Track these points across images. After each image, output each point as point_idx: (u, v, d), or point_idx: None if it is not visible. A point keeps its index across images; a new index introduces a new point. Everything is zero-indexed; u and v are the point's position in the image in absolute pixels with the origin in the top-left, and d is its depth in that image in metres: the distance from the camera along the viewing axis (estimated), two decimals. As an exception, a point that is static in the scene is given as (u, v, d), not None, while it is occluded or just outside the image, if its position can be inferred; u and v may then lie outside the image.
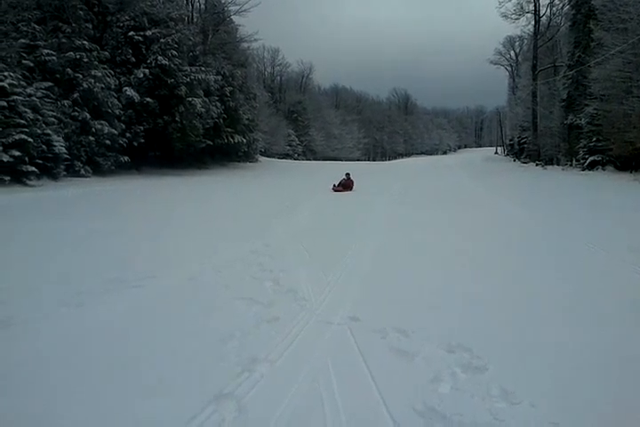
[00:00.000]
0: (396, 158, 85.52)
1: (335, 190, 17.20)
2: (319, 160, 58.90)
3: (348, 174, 18.35)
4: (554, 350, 3.45)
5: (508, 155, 51.44)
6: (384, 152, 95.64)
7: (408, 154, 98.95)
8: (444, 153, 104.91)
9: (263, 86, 57.89)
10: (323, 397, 2.81)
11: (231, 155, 35.20)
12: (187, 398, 2.76)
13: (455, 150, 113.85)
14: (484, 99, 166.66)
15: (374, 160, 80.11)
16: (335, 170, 33.71)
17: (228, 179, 24.91)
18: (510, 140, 50.19)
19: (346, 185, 17.72)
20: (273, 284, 5.16)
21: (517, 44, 53.51)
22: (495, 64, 55.44)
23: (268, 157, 48.15)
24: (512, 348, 3.47)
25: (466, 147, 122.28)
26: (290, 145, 60.41)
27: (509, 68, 56.78)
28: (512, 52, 56.30)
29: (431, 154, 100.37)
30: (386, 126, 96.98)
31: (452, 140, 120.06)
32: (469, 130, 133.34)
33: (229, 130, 32.29)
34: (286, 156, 56.62)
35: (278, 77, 72.80)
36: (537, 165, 31.83)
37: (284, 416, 2.61)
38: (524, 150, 38.60)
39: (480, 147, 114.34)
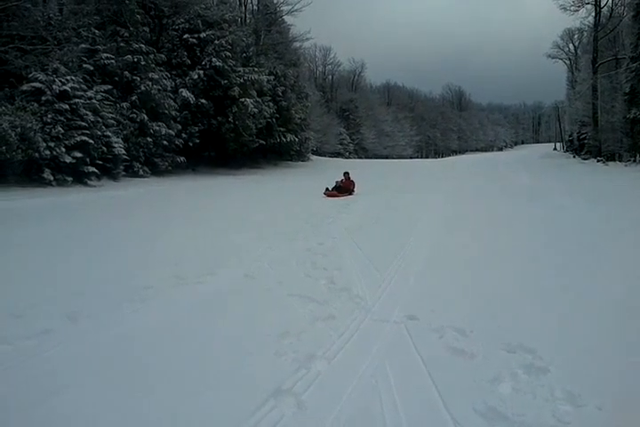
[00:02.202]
0: (449, 156, 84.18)
1: (329, 195, 14.24)
2: (371, 158, 58.60)
3: (346, 174, 15.57)
4: (621, 353, 3.32)
5: (567, 151, 49.78)
6: (437, 149, 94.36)
7: (462, 151, 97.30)
8: (500, 149, 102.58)
9: (315, 85, 58.11)
10: (381, 395, 2.79)
11: (283, 154, 35.47)
12: (246, 392, 2.79)
13: (512, 147, 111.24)
14: (542, 94, 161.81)
15: (427, 158, 79.10)
16: (386, 168, 33.65)
17: (281, 178, 25.12)
18: (569, 136, 48.54)
19: (344, 188, 14.97)
20: (327, 282, 5.17)
21: (576, 36, 51.47)
22: (553, 58, 53.63)
23: (319, 155, 48.26)
24: (576, 350, 3.35)
25: (523, 143, 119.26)
26: (341, 143, 60.32)
27: (568, 62, 54.76)
28: (571, 45, 54.26)
29: (486, 151, 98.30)
30: (439, 123, 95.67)
31: (509, 136, 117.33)
32: (526, 126, 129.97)
33: (282, 129, 32.53)
34: (338, 154, 56.56)
35: (330, 76, 72.85)
36: (598, 161, 30.64)
37: (342, 414, 2.60)
38: (584, 146, 37.22)
39: (538, 143, 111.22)
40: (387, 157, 62.26)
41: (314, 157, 43.22)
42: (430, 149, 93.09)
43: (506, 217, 9.82)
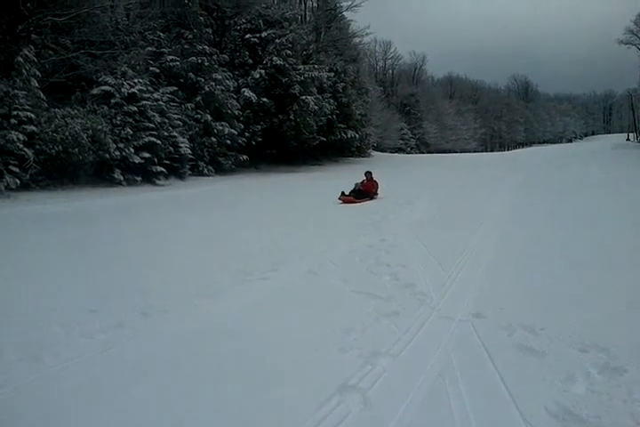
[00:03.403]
0: (515, 148, 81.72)
1: (345, 201, 11.95)
2: (432, 153, 57.69)
3: (368, 174, 13.22)
4: None
5: (642, 141, 47.34)
6: (502, 142, 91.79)
7: (529, 143, 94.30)
8: (569, 141, 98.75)
9: (375, 80, 57.68)
10: (448, 393, 2.73)
11: (344, 150, 35.42)
12: (312, 388, 2.80)
13: (581, 138, 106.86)
14: (613, 82, 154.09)
15: (492, 151, 77.08)
16: (448, 162, 33.01)
17: (342, 174, 25.03)
18: (645, 125, 46.09)
19: (364, 191, 12.57)
20: (391, 278, 5.12)
21: (651, 20, 48.73)
22: (626, 44, 50.88)
23: (380, 151, 47.89)
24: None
25: (593, 134, 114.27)
26: (402, 139, 59.59)
27: (642, 47, 51.93)
28: (645, 30, 51.43)
29: (554, 142, 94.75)
30: (504, 115, 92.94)
31: (578, 127, 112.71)
32: (597, 116, 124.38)
33: (342, 126, 32.49)
34: (399, 150, 55.97)
35: (390, 70, 72.13)
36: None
37: (409, 411, 2.56)
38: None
39: (609, 133, 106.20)
40: (449, 152, 61.06)
41: (374, 153, 42.92)
42: (495, 141, 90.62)
43: (578, 211, 9.42)
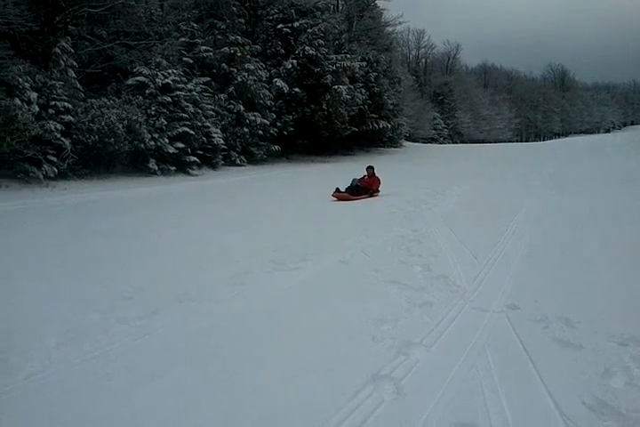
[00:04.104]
0: (551, 139, 80.00)
1: (338, 198, 11.05)
2: (466, 143, 56.90)
3: (370, 169, 12.12)
4: None
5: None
6: (538, 132, 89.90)
7: (565, 133, 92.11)
8: (607, 131, 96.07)
9: (408, 70, 56.95)
10: (483, 386, 2.70)
11: (376, 140, 35.22)
12: (345, 376, 2.80)
13: (620, 128, 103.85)
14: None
15: (527, 141, 75.61)
16: (483, 152, 32.50)
17: (373, 165, 24.92)
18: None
19: (364, 187, 11.60)
20: (423, 269, 5.09)
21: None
22: (669, 29, 49.29)
23: (412, 141, 47.46)
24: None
25: (633, 124, 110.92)
26: (435, 128, 58.88)
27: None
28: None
29: (592, 132, 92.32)
30: (540, 105, 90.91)
31: (617, 117, 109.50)
32: (637, 105, 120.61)
33: (374, 116, 32.29)
34: (431, 140, 55.35)
35: (423, 60, 71.21)
36: None
37: (442, 402, 2.54)
38: None
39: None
40: (483, 142, 60.11)
41: (406, 143, 42.56)
42: (530, 131, 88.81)
43: (618, 208, 9.20)
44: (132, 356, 3.16)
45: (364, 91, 30.21)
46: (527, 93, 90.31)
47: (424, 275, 4.88)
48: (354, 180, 11.56)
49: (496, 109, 76.32)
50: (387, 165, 21.29)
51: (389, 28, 39.68)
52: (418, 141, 49.60)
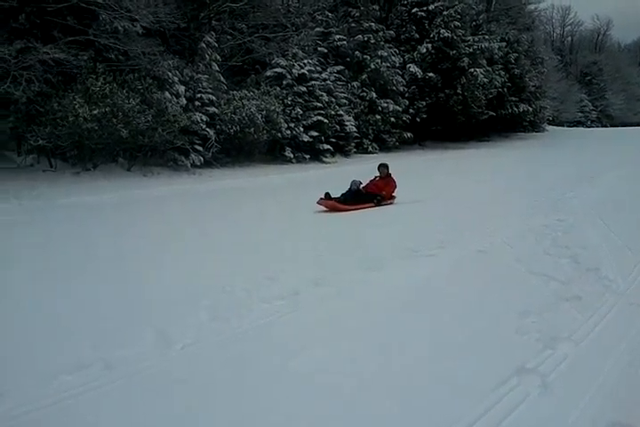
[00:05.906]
0: None
1: (326, 206, 8.30)
2: (617, 126, 52.28)
3: (384, 167, 9.29)
4: None
5: None
6: None
7: None
8: None
9: (551, 49, 53.41)
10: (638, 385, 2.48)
11: (515, 125, 33.58)
12: (488, 366, 2.71)
13: None
14: None
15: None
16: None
17: (513, 151, 23.91)
18: None
19: (371, 192, 8.89)
20: (570, 261, 4.76)
21: None
22: None
23: (556, 125, 44.53)
24: None
25: None
26: (582, 111, 54.61)
27: None
28: None
29: None
30: None
31: None
32: None
33: (513, 99, 30.78)
34: (578, 123, 51.47)
35: (569, 38, 66.24)
36: None
37: (594, 402, 2.35)
38: None
39: None
40: (637, 125, 54.82)
41: (549, 128, 40.02)
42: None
43: None
44: (273, 333, 3.28)
45: (502, 73, 28.81)
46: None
47: (572, 267, 4.56)
48: (353, 183, 8.80)
49: (654, 89, 69.15)
50: (530, 151, 20.31)
51: (531, 6, 37.74)
52: (563, 125, 46.51)
